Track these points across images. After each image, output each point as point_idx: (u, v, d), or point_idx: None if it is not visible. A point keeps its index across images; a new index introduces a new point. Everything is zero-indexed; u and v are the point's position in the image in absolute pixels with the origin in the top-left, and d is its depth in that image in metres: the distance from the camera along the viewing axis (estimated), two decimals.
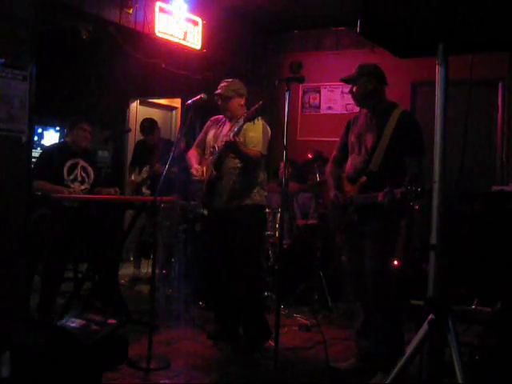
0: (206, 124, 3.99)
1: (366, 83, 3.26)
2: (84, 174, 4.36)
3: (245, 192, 3.68)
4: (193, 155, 3.93)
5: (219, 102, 3.78)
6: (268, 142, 3.72)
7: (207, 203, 3.84)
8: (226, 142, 3.56)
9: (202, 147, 3.92)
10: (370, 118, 3.32)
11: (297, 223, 5.41)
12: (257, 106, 3.48)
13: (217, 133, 3.84)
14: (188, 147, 4.27)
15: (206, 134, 3.92)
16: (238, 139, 3.55)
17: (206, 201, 3.82)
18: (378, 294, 3.18)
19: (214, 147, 3.74)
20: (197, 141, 4.02)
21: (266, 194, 3.83)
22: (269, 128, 3.76)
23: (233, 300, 3.82)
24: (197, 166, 3.81)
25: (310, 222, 5.39)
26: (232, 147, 3.57)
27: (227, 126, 3.79)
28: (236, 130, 3.57)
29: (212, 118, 3.97)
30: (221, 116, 3.91)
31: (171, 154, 3.53)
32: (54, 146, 4.76)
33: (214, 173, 3.66)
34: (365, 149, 3.26)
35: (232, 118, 3.76)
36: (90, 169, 4.41)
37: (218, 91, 3.77)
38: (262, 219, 3.92)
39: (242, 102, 3.79)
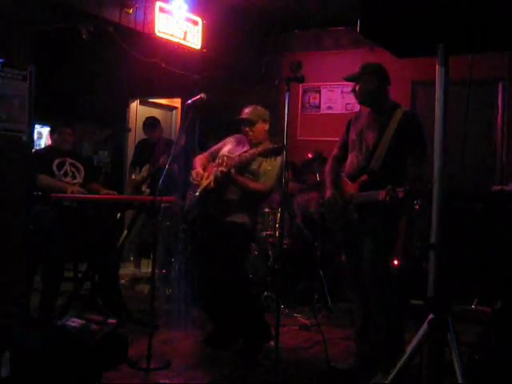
0: (225, 138, 3.92)
1: (368, 82, 3.24)
2: (74, 169, 4.43)
3: (236, 209, 3.62)
4: (200, 159, 3.87)
5: (244, 128, 3.74)
6: (280, 177, 3.60)
7: (198, 209, 3.78)
8: (221, 172, 3.53)
9: (214, 157, 3.85)
10: (373, 116, 3.30)
11: (298, 221, 5.41)
12: (277, 146, 3.43)
13: (232, 149, 3.78)
14: (188, 147, 4.25)
15: (223, 146, 3.86)
16: (235, 172, 3.53)
17: (196, 206, 3.77)
18: (377, 293, 3.17)
19: (223, 160, 3.66)
20: (211, 149, 3.95)
21: (256, 218, 3.79)
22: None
23: (224, 307, 3.75)
24: (198, 170, 3.76)
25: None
26: (227, 179, 3.55)
27: (245, 147, 3.75)
28: (244, 160, 3.55)
29: (236, 135, 3.89)
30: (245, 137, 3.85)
31: (172, 152, 3.53)
32: (42, 148, 5.03)
33: (212, 185, 3.61)
34: (366, 147, 3.24)
35: (255, 144, 3.71)
36: (78, 164, 4.49)
37: (244, 116, 3.74)
38: (247, 240, 3.81)
39: (266, 127, 3.77)
